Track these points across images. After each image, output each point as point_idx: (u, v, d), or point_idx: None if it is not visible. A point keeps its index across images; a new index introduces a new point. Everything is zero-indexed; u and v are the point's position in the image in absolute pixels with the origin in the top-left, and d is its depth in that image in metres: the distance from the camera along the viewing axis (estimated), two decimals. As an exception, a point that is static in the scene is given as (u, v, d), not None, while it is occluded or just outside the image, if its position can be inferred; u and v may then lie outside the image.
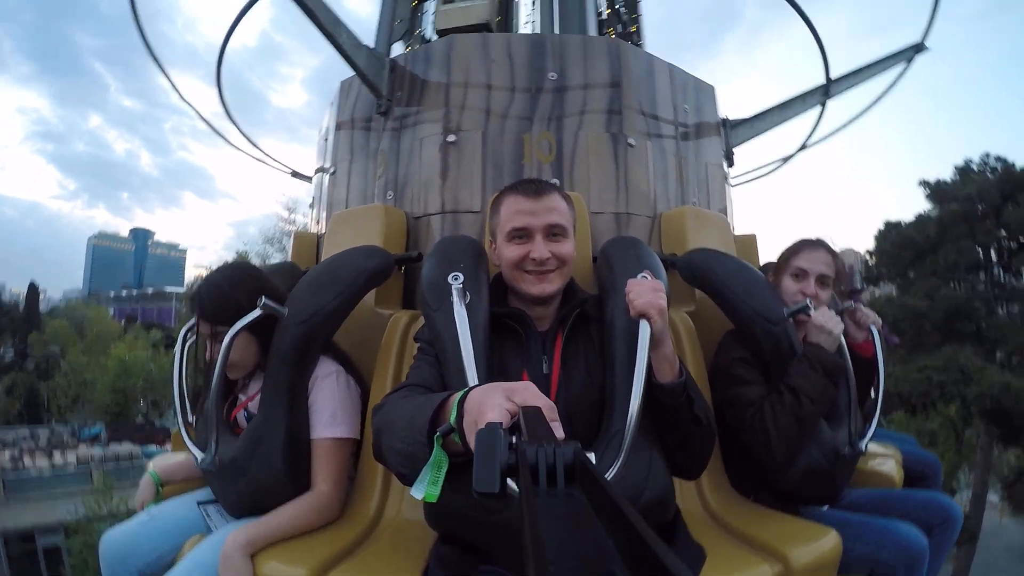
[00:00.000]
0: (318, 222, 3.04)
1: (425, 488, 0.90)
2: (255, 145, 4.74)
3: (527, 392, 0.80)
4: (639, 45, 5.67)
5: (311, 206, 3.36)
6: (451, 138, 2.29)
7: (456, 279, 1.43)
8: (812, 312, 1.80)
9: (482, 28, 2.59)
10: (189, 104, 4.33)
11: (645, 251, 1.70)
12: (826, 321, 1.78)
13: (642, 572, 0.32)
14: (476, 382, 1.26)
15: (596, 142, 2.32)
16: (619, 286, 1.47)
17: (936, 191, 15.88)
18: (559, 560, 0.34)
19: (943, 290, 14.06)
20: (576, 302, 1.49)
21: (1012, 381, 11.41)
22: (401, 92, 2.52)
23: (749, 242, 2.78)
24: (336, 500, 1.65)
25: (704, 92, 2.90)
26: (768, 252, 2.83)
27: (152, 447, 25.59)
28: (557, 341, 1.46)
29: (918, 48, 3.53)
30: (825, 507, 1.91)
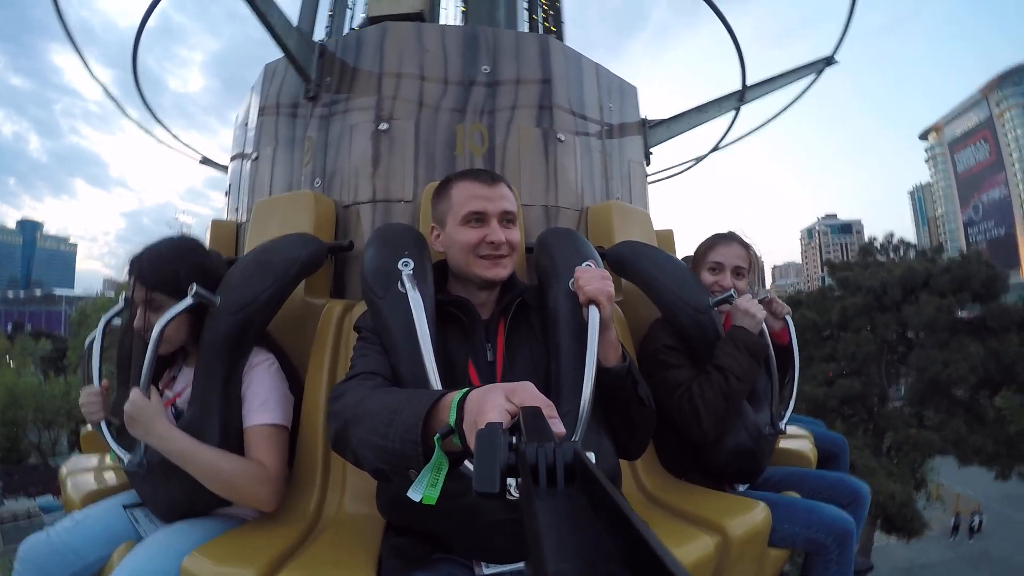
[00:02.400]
0: (236, 210, 2.92)
1: (424, 490, 0.89)
2: (168, 130, 4.49)
3: (526, 392, 0.81)
4: (560, 39, 5.82)
5: (227, 193, 3.22)
6: (383, 126, 2.27)
7: (407, 265, 1.42)
8: (736, 299, 1.93)
9: (415, 17, 2.57)
10: (107, 92, 4.03)
11: (583, 241, 1.76)
12: (750, 306, 1.91)
13: (642, 572, 0.32)
14: (434, 370, 1.26)
15: (527, 136, 2.37)
16: (561, 275, 1.52)
17: (840, 280, 17.14)
18: (559, 560, 0.35)
19: (840, 381, 15.23)
20: (517, 290, 1.51)
21: (896, 491, 12.66)
22: (331, 78, 2.46)
23: (667, 236, 2.93)
24: (274, 482, 1.56)
25: (627, 92, 3.02)
26: (683, 246, 3.00)
27: (48, 498, 22.51)
28: (500, 329, 1.48)
29: (828, 61, 3.82)
30: (744, 487, 2.07)
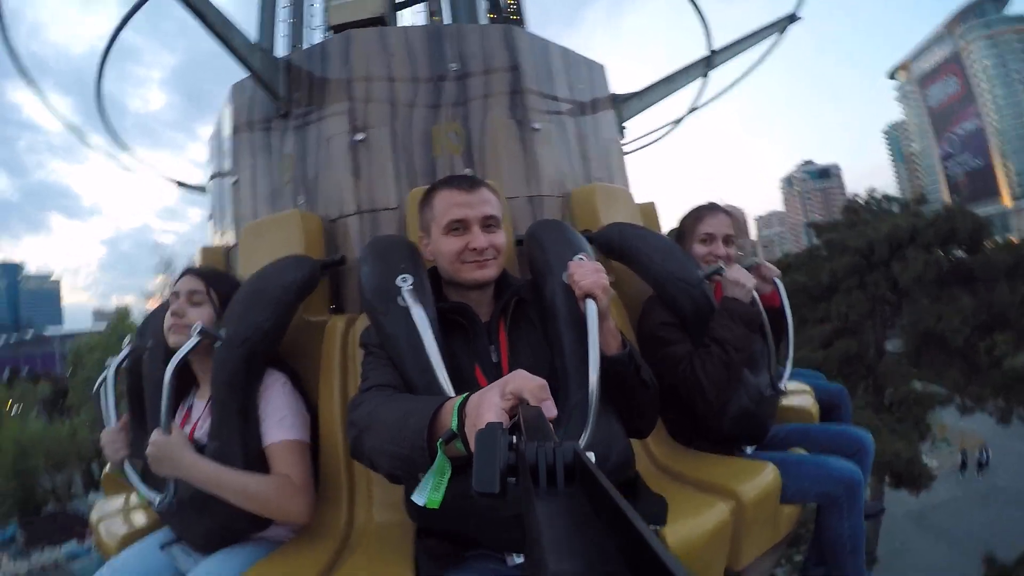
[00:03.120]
0: (223, 234, 2.92)
1: (427, 494, 0.91)
2: (139, 161, 4.45)
3: (519, 379, 0.84)
4: (521, 24, 5.78)
5: (210, 217, 3.21)
6: (359, 136, 2.27)
7: (406, 281, 1.45)
8: (725, 271, 1.98)
9: (377, 22, 2.57)
10: (68, 125, 3.99)
11: (572, 233, 1.78)
12: (740, 276, 1.95)
13: (642, 572, 0.32)
14: (446, 379, 1.30)
15: (502, 129, 2.38)
16: (555, 269, 1.55)
17: (827, 242, 17.20)
18: (559, 560, 0.35)
19: (836, 342, 15.30)
20: (513, 289, 1.54)
21: (901, 448, 12.84)
22: (300, 92, 2.46)
23: (650, 210, 2.96)
24: (303, 492, 1.60)
25: (596, 71, 3.03)
26: (667, 215, 3.03)
27: (73, 544, 22.28)
28: (500, 329, 1.50)
29: (791, 18, 3.84)
30: (752, 449, 2.13)
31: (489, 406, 0.82)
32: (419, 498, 0.92)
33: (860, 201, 19.04)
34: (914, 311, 15.56)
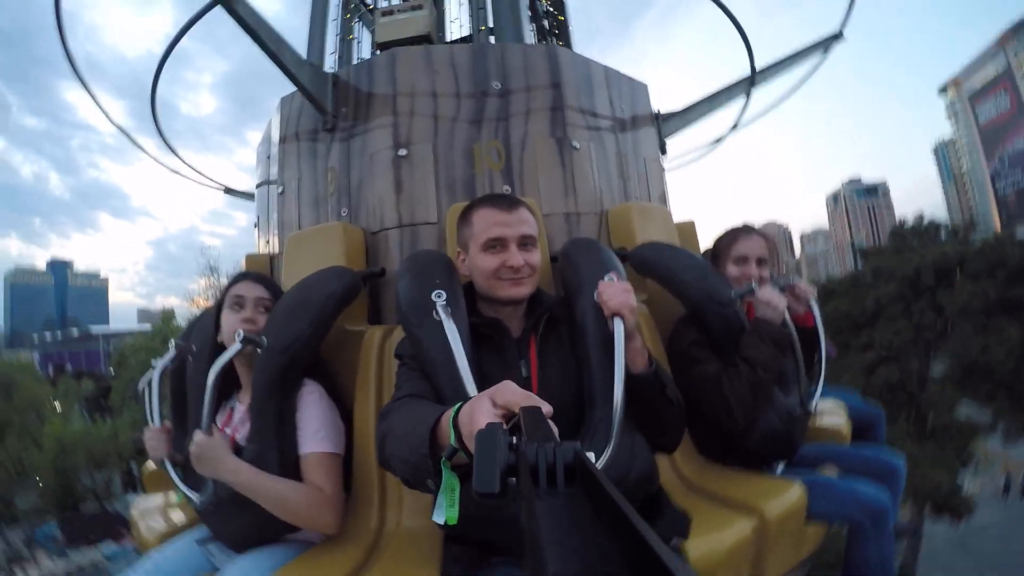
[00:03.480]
0: (267, 242, 3.01)
1: (444, 512, 0.93)
2: (189, 166, 4.62)
3: (506, 390, 0.85)
4: (568, 43, 5.81)
5: (256, 225, 3.31)
6: (402, 152, 2.33)
7: (440, 296, 1.48)
8: (757, 291, 1.97)
9: (422, 40, 2.62)
10: (122, 130, 4.17)
11: (605, 252, 1.81)
12: (771, 297, 1.95)
13: (642, 572, 0.32)
14: (475, 392, 1.31)
15: (543, 147, 2.41)
16: (586, 288, 1.57)
17: (874, 269, 16.76)
18: (559, 560, 0.35)
19: (879, 369, 14.88)
20: (545, 306, 1.57)
21: (942, 479, 12.50)
22: (347, 108, 2.53)
23: (689, 229, 2.95)
24: (334, 505, 1.65)
25: (638, 90, 3.05)
26: (707, 234, 3.02)
27: (111, 544, 22.31)
28: (531, 345, 1.53)
29: (836, 37, 3.79)
30: (782, 466, 2.10)
31: (481, 414, 0.83)
32: (438, 517, 0.95)
33: (907, 227, 18.54)
34: (959, 340, 15.11)
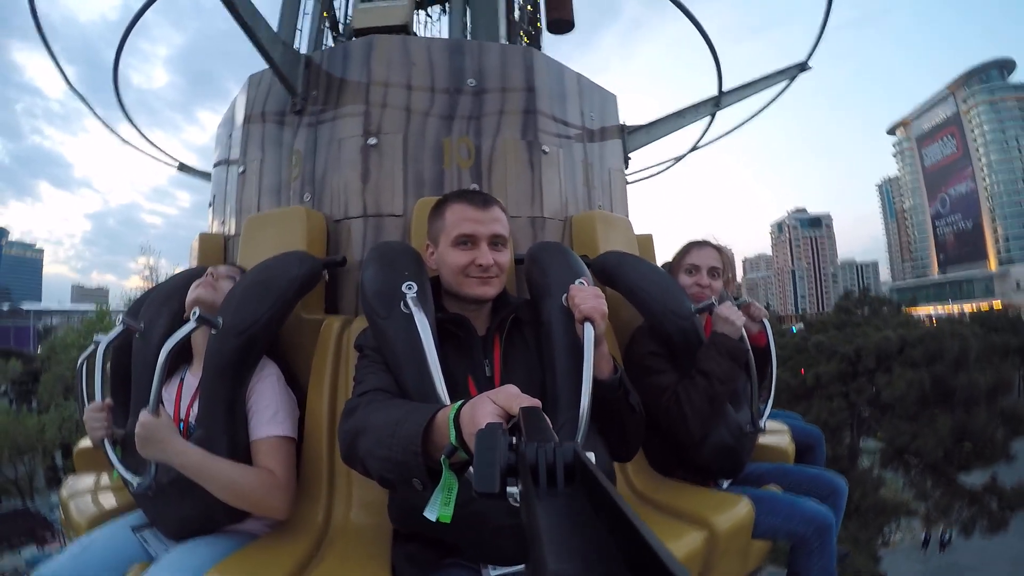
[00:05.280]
0: (223, 223, 2.93)
1: (438, 509, 0.93)
2: (147, 139, 4.45)
3: (507, 394, 0.87)
4: (539, 44, 5.86)
5: (211, 204, 3.22)
6: (372, 140, 2.30)
7: (411, 288, 1.46)
8: (717, 307, 2.02)
9: (400, 30, 2.60)
10: (81, 98, 3.99)
11: (573, 257, 1.82)
12: (730, 313, 2.00)
13: (642, 572, 0.32)
14: (443, 387, 1.31)
15: (513, 149, 2.42)
16: (555, 291, 1.58)
17: (816, 344, 17.39)
18: (559, 560, 0.35)
19: None
20: (511, 307, 1.57)
21: (861, 566, 12.90)
22: (317, 91, 2.49)
23: (647, 242, 3.02)
24: (285, 489, 1.60)
25: (608, 100, 3.10)
26: (661, 248, 3.09)
27: (33, 550, 20.68)
28: (495, 344, 1.53)
29: (802, 67, 3.94)
30: (727, 483, 2.17)
31: (484, 414, 0.84)
32: (431, 513, 0.94)
33: (853, 298, 19.55)
34: (892, 425, 15.82)
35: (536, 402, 0.84)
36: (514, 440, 0.65)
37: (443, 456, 0.93)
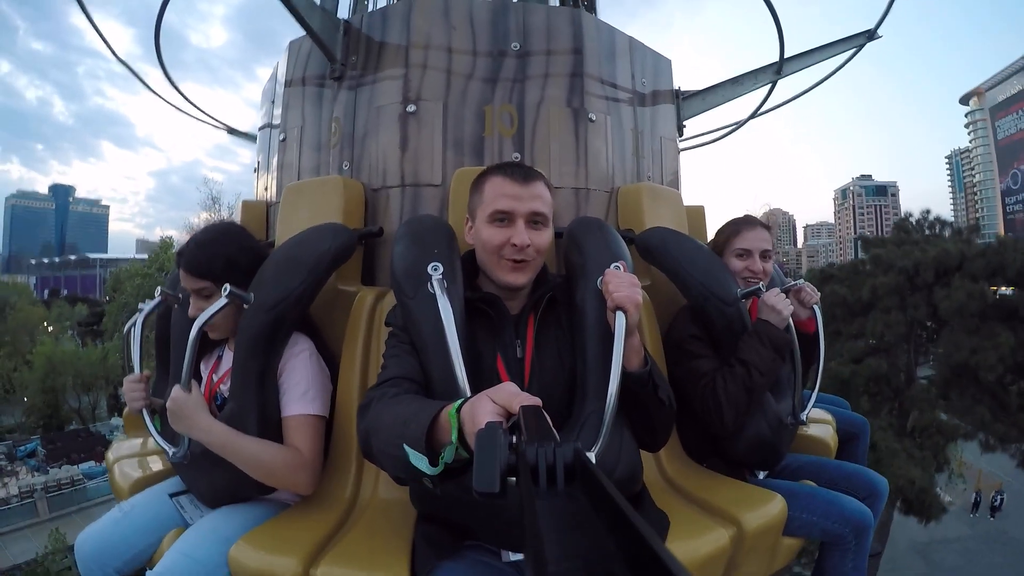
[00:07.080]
0: (266, 188, 2.92)
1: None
2: (192, 103, 4.49)
3: (507, 392, 0.85)
4: (593, 7, 5.62)
5: (255, 171, 3.22)
6: (411, 108, 2.23)
7: (436, 270, 1.41)
8: (764, 293, 1.90)
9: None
10: (126, 65, 4.04)
11: (614, 237, 1.70)
12: (777, 302, 1.89)
13: (642, 572, 0.32)
14: (463, 374, 1.28)
15: (557, 116, 2.31)
16: (590, 273, 1.50)
17: (873, 257, 16.42)
18: (559, 560, 0.35)
19: (867, 360, 14.65)
20: (547, 286, 1.50)
21: (916, 476, 12.41)
22: (356, 57, 2.41)
23: (698, 213, 2.88)
24: (311, 468, 1.61)
25: (662, 65, 2.92)
26: (715, 218, 2.94)
27: (91, 464, 23.01)
28: (529, 324, 1.46)
29: (870, 35, 3.65)
30: (763, 474, 2.07)
31: (483, 414, 0.83)
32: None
33: (912, 221, 18.36)
34: (951, 341, 14.91)
35: (536, 400, 0.81)
36: (514, 439, 0.64)
37: (441, 457, 0.93)
